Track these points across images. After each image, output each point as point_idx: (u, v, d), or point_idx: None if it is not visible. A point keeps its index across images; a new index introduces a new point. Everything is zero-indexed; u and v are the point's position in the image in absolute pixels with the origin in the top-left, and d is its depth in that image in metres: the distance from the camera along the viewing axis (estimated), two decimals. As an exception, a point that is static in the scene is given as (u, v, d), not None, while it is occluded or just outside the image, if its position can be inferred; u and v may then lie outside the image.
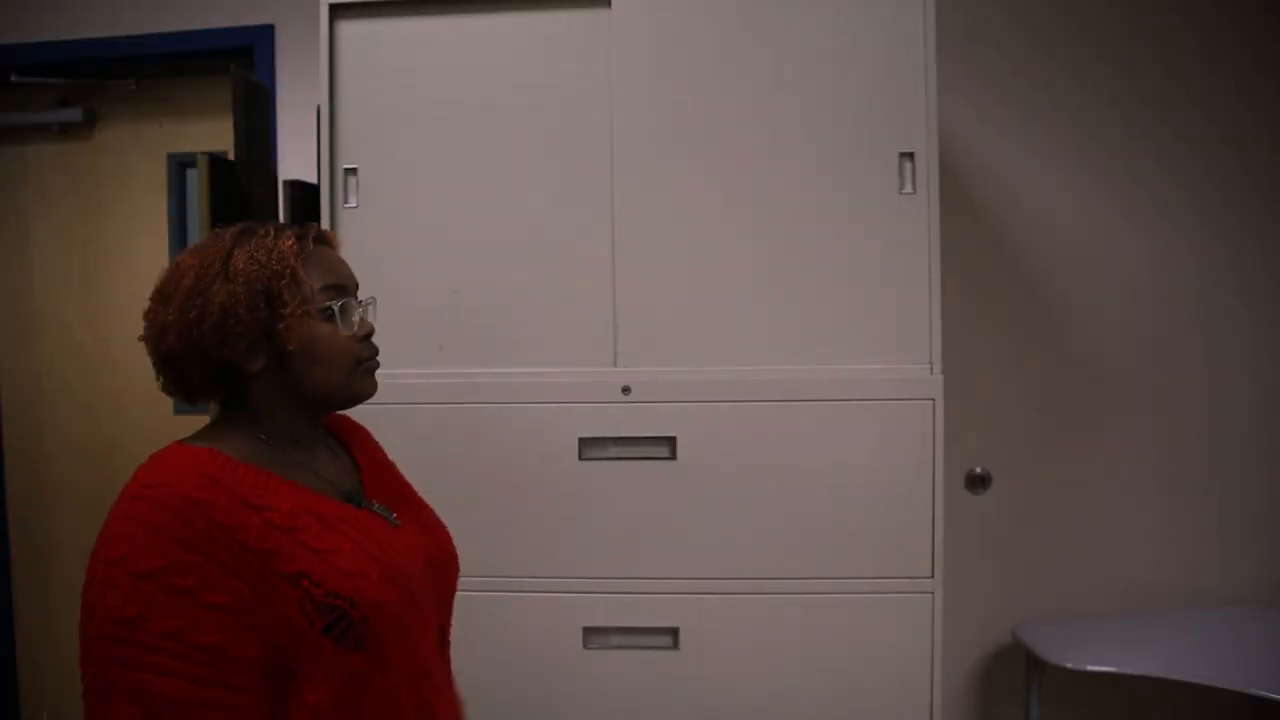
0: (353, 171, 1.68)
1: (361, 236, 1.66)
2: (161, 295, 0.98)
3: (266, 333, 0.97)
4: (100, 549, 0.86)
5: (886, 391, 1.61)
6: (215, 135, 2.54)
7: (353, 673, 0.91)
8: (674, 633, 1.64)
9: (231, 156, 1.90)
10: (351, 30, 1.68)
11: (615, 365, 1.65)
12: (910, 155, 1.61)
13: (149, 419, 2.63)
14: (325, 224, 1.68)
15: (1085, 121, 2.22)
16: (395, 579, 0.96)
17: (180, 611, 0.83)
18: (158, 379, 1.01)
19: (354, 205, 1.69)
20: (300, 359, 0.99)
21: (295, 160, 2.38)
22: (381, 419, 1.65)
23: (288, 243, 1.00)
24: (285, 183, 1.83)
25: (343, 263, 1.07)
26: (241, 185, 1.85)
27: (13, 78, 2.58)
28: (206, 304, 0.95)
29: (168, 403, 2.61)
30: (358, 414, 1.66)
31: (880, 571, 1.61)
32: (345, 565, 0.92)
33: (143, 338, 0.99)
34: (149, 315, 0.98)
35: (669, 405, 1.63)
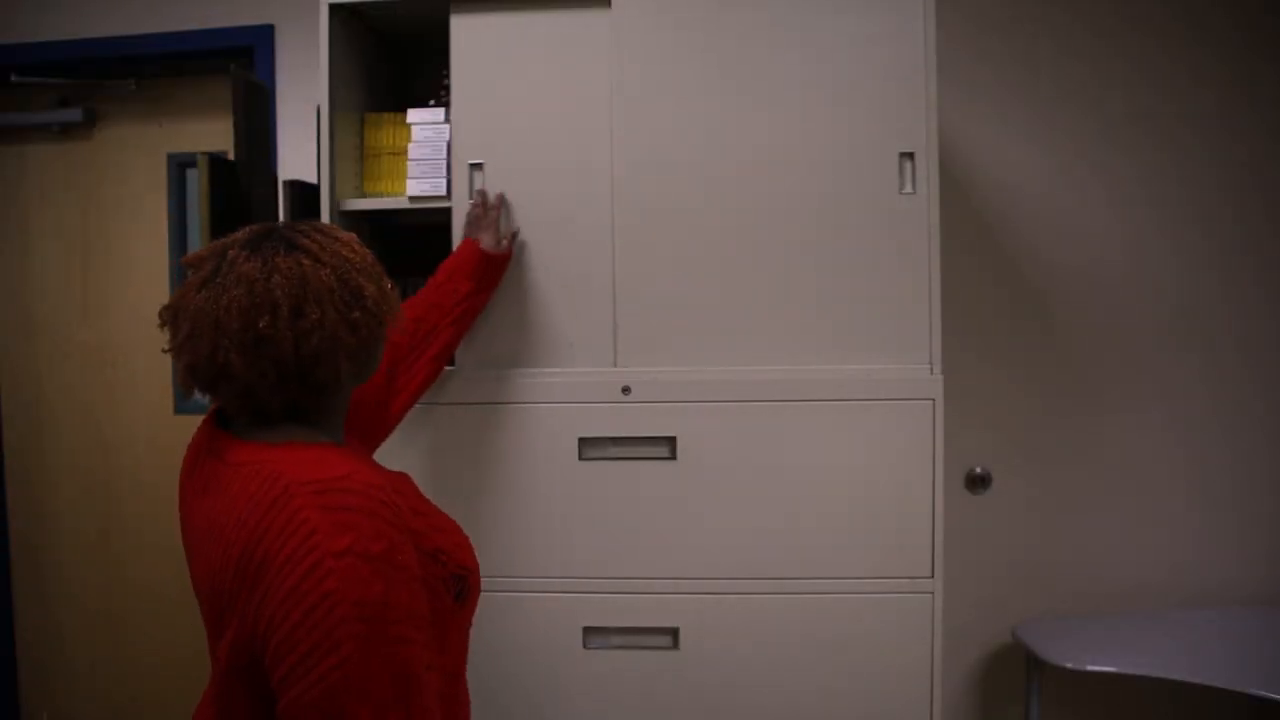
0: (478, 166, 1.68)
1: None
2: (292, 303, 0.95)
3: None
4: (316, 544, 0.85)
5: (886, 391, 1.61)
6: (215, 135, 2.55)
7: (462, 632, 1.06)
8: (674, 633, 1.64)
9: (231, 156, 1.90)
10: (463, 24, 1.67)
11: (615, 365, 1.65)
12: (910, 155, 1.60)
13: (149, 419, 2.63)
14: (324, 222, 1.68)
15: (1086, 121, 2.23)
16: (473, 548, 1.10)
17: (406, 585, 0.90)
18: (230, 399, 0.99)
19: None
20: (379, 344, 1.07)
21: (295, 160, 2.38)
22: (381, 419, 1.65)
23: (348, 232, 1.07)
24: (285, 183, 1.83)
25: None
26: (241, 185, 1.85)
27: (13, 78, 2.58)
28: (369, 295, 1.01)
29: (168, 403, 2.61)
30: (358, 414, 1.66)
31: (880, 571, 1.61)
32: (456, 539, 1.05)
33: (228, 360, 0.95)
34: (268, 329, 0.94)
35: (669, 405, 1.63)
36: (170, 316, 1.00)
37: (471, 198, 1.64)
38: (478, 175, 1.66)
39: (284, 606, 0.85)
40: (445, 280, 1.57)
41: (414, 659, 0.88)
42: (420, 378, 1.51)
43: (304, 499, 0.88)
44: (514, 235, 1.65)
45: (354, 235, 1.07)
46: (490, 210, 1.62)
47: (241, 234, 1.02)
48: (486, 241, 1.60)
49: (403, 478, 1.06)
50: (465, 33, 1.66)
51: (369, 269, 1.04)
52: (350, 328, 0.99)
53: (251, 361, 0.95)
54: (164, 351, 1.01)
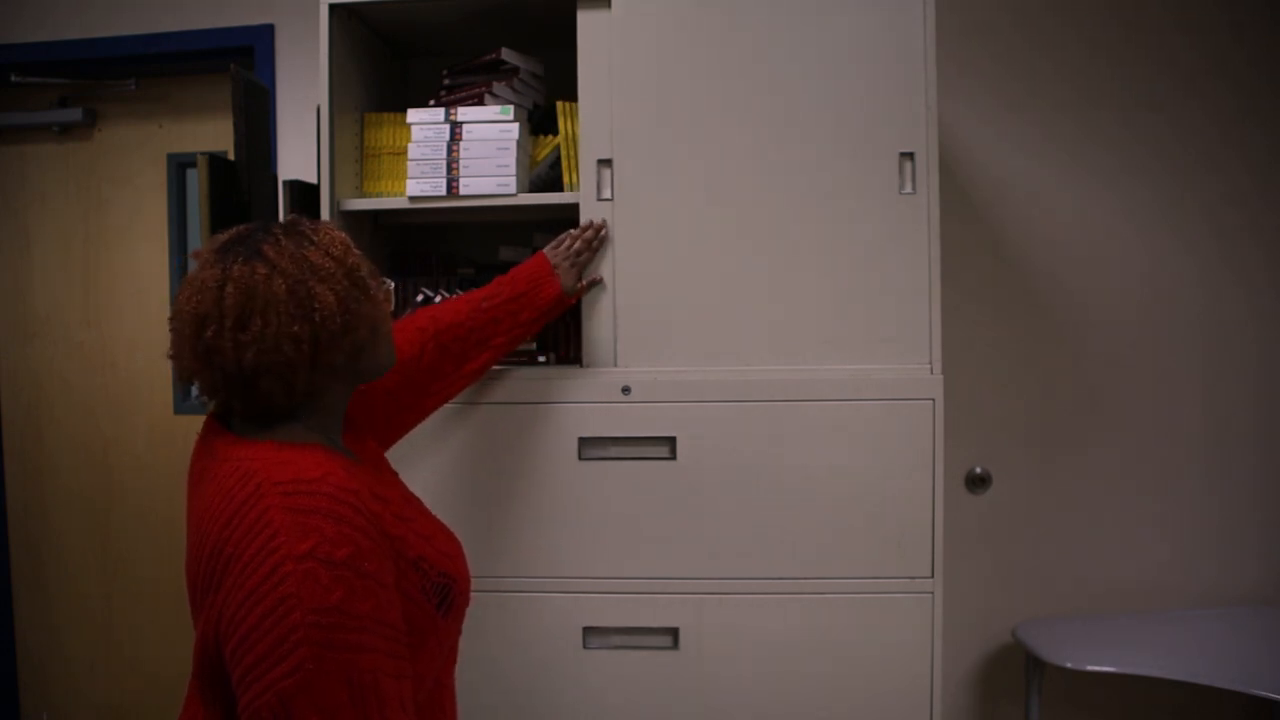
0: (607, 163, 1.67)
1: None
2: (237, 314, 0.94)
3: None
4: (277, 545, 0.85)
5: (886, 391, 1.60)
6: (215, 135, 2.55)
7: (445, 640, 1.03)
8: (674, 633, 1.64)
9: (231, 156, 1.90)
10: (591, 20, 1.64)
11: (615, 365, 1.65)
12: (910, 155, 1.60)
13: (149, 419, 2.63)
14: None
15: (1085, 121, 2.23)
16: (464, 555, 1.10)
17: (371, 592, 0.88)
18: (211, 398, 0.99)
19: (608, 197, 1.67)
20: (373, 339, 1.04)
21: (295, 160, 2.38)
22: (381, 419, 1.65)
23: (337, 232, 1.04)
24: (285, 183, 1.83)
25: None
26: (241, 185, 1.85)
27: (13, 78, 2.58)
28: (322, 305, 0.97)
29: (168, 402, 2.61)
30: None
31: (880, 571, 1.61)
32: (443, 547, 1.03)
33: (190, 365, 0.96)
34: (214, 339, 0.94)
35: (669, 405, 1.63)
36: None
37: (583, 225, 1.62)
38: (605, 172, 1.63)
39: (243, 608, 0.85)
40: (511, 301, 1.53)
41: (375, 667, 0.87)
42: (461, 385, 1.50)
43: (273, 499, 0.88)
44: (591, 283, 1.62)
45: (342, 236, 1.04)
46: (588, 251, 1.60)
47: (224, 235, 1.02)
48: (566, 283, 1.58)
49: (391, 484, 1.05)
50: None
51: (337, 277, 0.99)
52: (293, 342, 0.95)
53: (203, 368, 0.96)
54: None
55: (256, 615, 0.84)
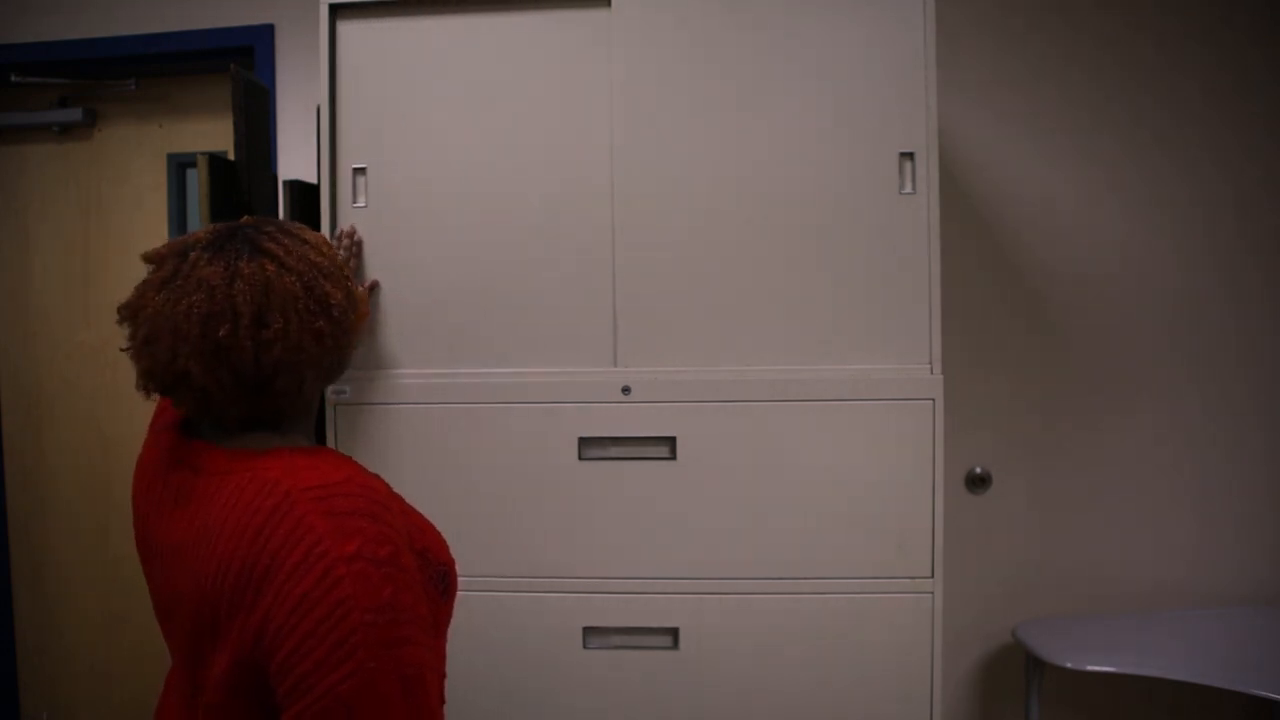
0: (361, 171, 1.68)
1: (367, 237, 1.66)
2: (254, 311, 0.92)
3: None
4: (325, 550, 0.84)
5: (886, 391, 1.61)
6: (215, 135, 2.55)
7: (446, 628, 1.03)
8: (674, 633, 1.64)
9: (231, 156, 1.90)
10: (355, 30, 1.68)
11: (615, 365, 1.65)
12: (910, 155, 1.61)
13: (149, 419, 2.62)
14: (325, 222, 1.68)
15: (1086, 121, 2.23)
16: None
17: (409, 587, 0.88)
18: (201, 404, 0.95)
19: (362, 205, 1.68)
20: (349, 349, 1.04)
21: (295, 160, 2.38)
22: (383, 419, 1.66)
23: (313, 231, 1.04)
24: (285, 183, 1.83)
25: None
26: (241, 185, 1.85)
27: (13, 78, 2.58)
28: (335, 302, 0.98)
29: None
30: (356, 413, 1.67)
31: (880, 571, 1.61)
32: (435, 535, 1.03)
33: (186, 368, 0.92)
34: (229, 338, 0.91)
35: (669, 405, 1.63)
36: (129, 315, 0.96)
37: (338, 234, 1.63)
38: (361, 179, 1.66)
39: (295, 615, 0.83)
40: None
41: (420, 661, 0.87)
42: None
43: (307, 505, 0.86)
44: (371, 288, 1.63)
45: (323, 236, 1.04)
46: (354, 258, 1.61)
47: (204, 233, 0.98)
48: None
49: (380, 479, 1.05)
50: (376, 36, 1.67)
51: (336, 273, 1.00)
52: (315, 337, 0.95)
53: (210, 370, 0.92)
54: (121, 350, 0.97)
55: (312, 621, 0.82)
